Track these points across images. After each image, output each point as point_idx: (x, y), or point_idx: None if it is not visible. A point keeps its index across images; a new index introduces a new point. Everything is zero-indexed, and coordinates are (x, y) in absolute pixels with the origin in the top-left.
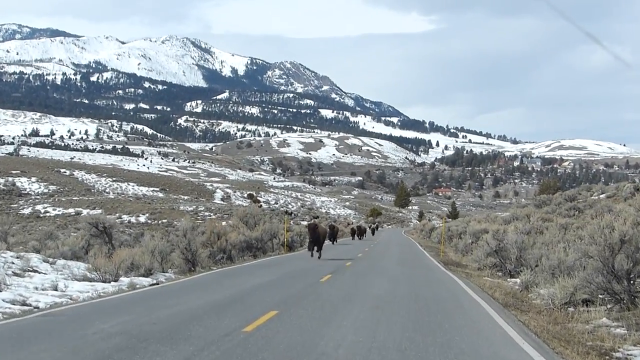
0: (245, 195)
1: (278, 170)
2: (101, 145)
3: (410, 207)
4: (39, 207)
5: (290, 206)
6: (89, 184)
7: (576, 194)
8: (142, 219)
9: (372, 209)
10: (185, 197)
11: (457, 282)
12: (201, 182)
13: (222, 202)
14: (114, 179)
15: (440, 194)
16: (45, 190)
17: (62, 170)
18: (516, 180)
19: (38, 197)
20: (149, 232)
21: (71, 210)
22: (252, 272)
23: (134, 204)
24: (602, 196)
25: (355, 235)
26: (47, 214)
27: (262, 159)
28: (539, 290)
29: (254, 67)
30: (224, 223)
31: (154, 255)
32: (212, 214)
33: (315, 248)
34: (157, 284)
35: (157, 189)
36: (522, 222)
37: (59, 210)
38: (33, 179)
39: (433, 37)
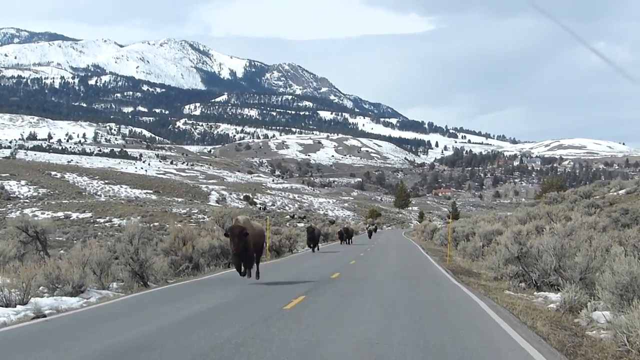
0: (242, 197)
1: (277, 172)
2: (99, 149)
3: (410, 208)
4: (27, 210)
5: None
6: (80, 187)
7: (591, 190)
8: (133, 221)
9: (371, 210)
10: (179, 200)
11: (478, 304)
12: (196, 184)
13: (217, 205)
14: (106, 181)
15: (440, 195)
16: (35, 194)
17: (53, 173)
18: (516, 180)
19: (27, 200)
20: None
21: (60, 214)
22: (207, 290)
23: (125, 207)
24: (621, 192)
25: (343, 240)
26: (36, 218)
27: (260, 161)
28: (592, 314)
29: (253, 70)
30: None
31: (87, 267)
32: (205, 217)
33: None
34: (86, 305)
35: (151, 191)
36: (561, 222)
37: (47, 214)
38: (22, 182)
39: (432, 38)
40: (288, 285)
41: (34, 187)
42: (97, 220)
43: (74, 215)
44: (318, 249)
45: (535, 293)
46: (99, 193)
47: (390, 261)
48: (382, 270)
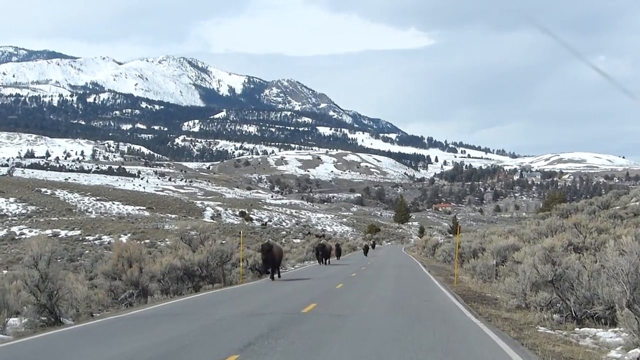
0: (237, 213)
1: (276, 188)
2: (97, 166)
3: (410, 223)
4: (14, 228)
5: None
6: (70, 204)
7: (609, 200)
8: (124, 239)
9: (370, 225)
10: (173, 216)
11: None
12: (191, 200)
13: (211, 221)
14: (98, 198)
15: (441, 209)
16: (24, 211)
17: (43, 189)
18: (516, 194)
19: (15, 218)
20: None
21: (48, 232)
22: (133, 330)
23: (115, 224)
24: None
25: (320, 260)
26: (24, 236)
27: (259, 177)
28: None
29: (251, 86)
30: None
31: None
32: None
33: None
34: None
35: (144, 208)
36: (592, 236)
37: (35, 232)
38: (11, 199)
39: (432, 53)
40: (238, 325)
41: (23, 204)
42: (86, 237)
43: (63, 233)
44: (329, 262)
45: (576, 329)
46: (89, 210)
47: (386, 284)
48: (374, 299)
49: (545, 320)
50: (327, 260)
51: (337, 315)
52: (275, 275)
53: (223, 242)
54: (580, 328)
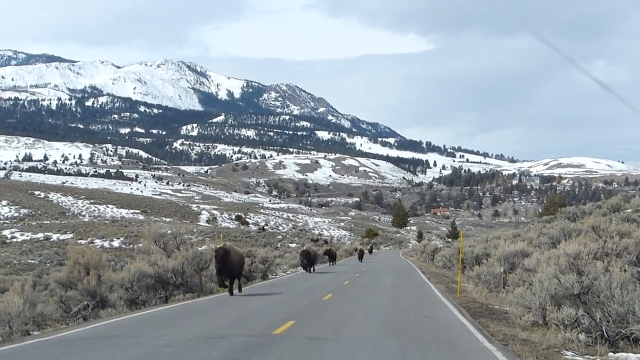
0: (233, 217)
1: (274, 192)
2: (95, 170)
3: (408, 228)
4: (6, 232)
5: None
6: (64, 207)
7: (619, 203)
8: (116, 243)
9: (367, 230)
10: (168, 220)
11: None
12: (187, 203)
13: (207, 225)
14: (92, 201)
15: (439, 214)
16: (16, 214)
17: (37, 192)
18: (515, 199)
19: (7, 221)
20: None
21: (40, 235)
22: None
23: (108, 228)
24: None
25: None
26: (14, 240)
27: (257, 181)
28: None
29: (250, 90)
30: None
31: None
32: (192, 237)
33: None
34: None
35: (138, 211)
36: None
37: (27, 236)
38: (4, 202)
39: (431, 58)
40: (185, 353)
41: (16, 207)
42: (78, 241)
43: (55, 237)
44: (314, 270)
45: (610, 354)
46: (83, 213)
47: (381, 294)
48: (365, 315)
49: (570, 342)
50: (312, 268)
51: (316, 338)
52: (235, 290)
53: (202, 247)
54: (615, 353)
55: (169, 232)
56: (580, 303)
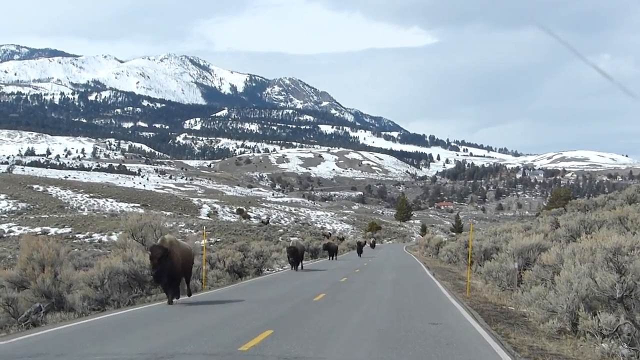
0: (235, 211)
1: (277, 186)
2: (97, 164)
3: (412, 221)
4: (3, 226)
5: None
6: (63, 201)
7: (635, 195)
8: (115, 237)
9: (370, 223)
10: (168, 213)
11: None
12: (187, 197)
13: (207, 218)
14: (91, 194)
15: (443, 208)
16: (14, 208)
17: (35, 186)
18: (519, 193)
19: (5, 215)
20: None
21: (37, 229)
22: None
23: (107, 221)
24: None
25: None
26: (12, 234)
27: (261, 175)
28: None
29: (253, 84)
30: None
31: None
32: (192, 231)
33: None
34: None
35: (138, 205)
36: None
37: (24, 230)
38: (2, 196)
39: (434, 51)
40: None
41: (14, 201)
42: (77, 235)
43: (52, 231)
44: (302, 267)
45: None
46: (82, 207)
47: (380, 295)
48: (360, 322)
49: (611, 358)
50: (300, 265)
51: (294, 358)
52: (184, 297)
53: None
54: None
55: (149, 223)
56: (622, 308)
